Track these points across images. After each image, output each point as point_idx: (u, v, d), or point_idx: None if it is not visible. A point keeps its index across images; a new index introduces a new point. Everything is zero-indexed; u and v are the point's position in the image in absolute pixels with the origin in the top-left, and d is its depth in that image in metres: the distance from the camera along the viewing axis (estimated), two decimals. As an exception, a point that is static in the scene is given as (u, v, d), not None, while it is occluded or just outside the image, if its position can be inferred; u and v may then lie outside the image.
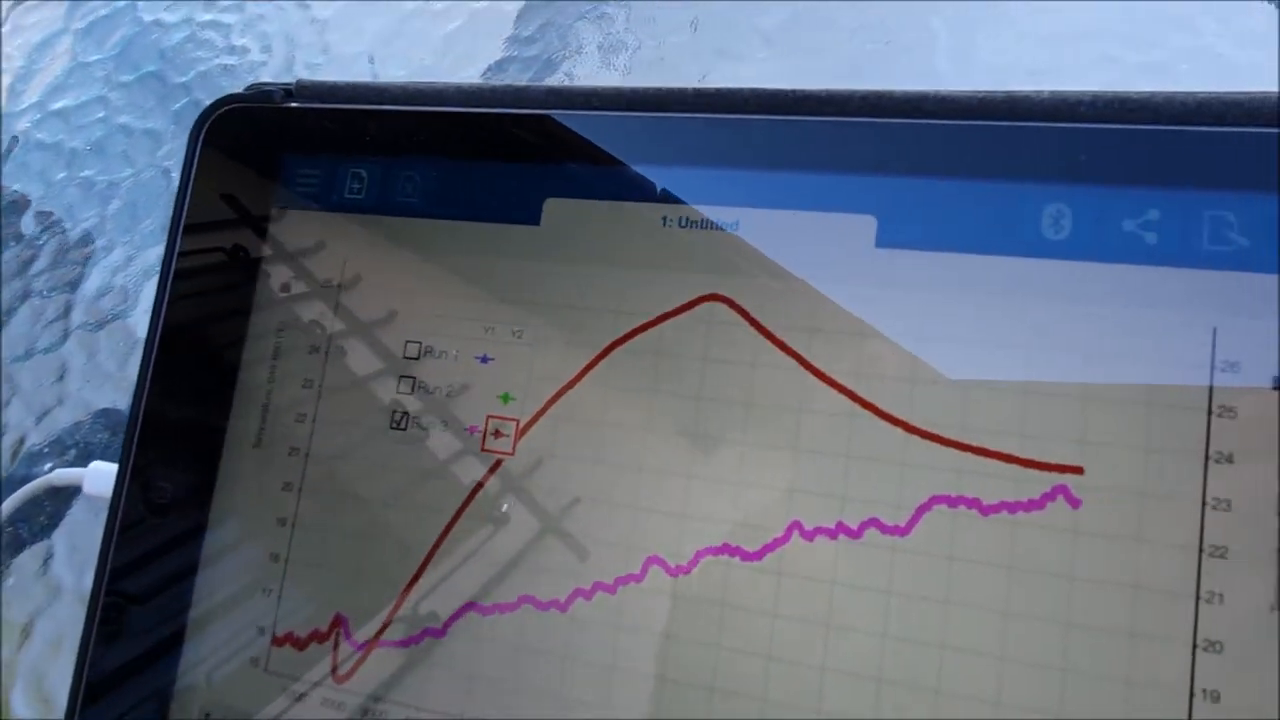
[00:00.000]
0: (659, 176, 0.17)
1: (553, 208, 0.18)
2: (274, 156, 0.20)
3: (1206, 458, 0.14)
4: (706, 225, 0.17)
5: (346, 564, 0.17)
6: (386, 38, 0.32)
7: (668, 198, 0.17)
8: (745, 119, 0.17)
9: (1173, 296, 0.14)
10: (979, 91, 0.16)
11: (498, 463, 0.17)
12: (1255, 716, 0.13)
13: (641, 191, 0.17)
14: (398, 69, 0.31)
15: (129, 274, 0.28)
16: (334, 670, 0.17)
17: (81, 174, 0.31)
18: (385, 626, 0.17)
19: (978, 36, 0.25)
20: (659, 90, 0.18)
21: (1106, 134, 0.15)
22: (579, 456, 0.17)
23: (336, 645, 0.17)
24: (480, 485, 0.17)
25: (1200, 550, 0.14)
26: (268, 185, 0.19)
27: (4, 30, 0.37)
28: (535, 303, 0.17)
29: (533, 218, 0.18)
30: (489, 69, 0.30)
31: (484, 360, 0.17)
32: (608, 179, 0.17)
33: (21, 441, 0.26)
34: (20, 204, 0.31)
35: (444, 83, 0.19)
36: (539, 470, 0.17)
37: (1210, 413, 0.14)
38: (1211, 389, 0.14)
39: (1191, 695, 0.13)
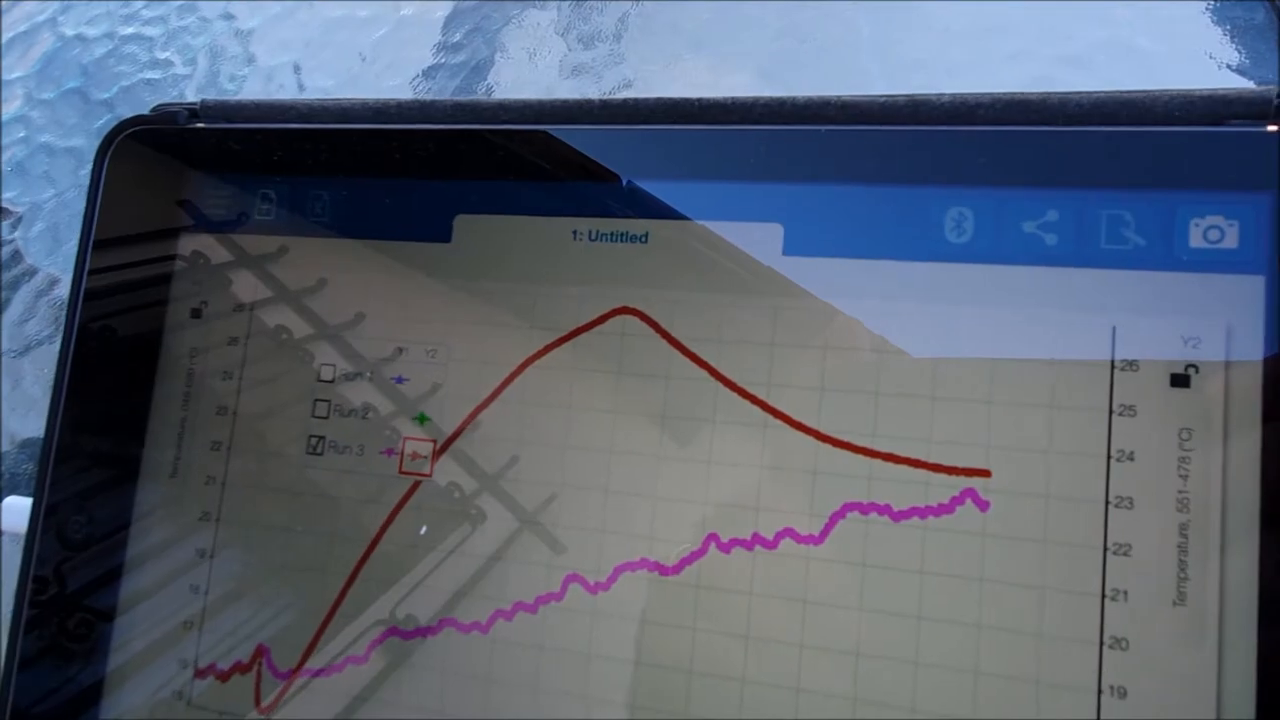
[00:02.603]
0: (568, 190, 0.17)
1: (463, 224, 0.17)
2: (181, 178, 0.19)
3: (1109, 456, 0.14)
4: (617, 238, 0.17)
5: (267, 594, 0.17)
6: (313, 48, 0.31)
7: (578, 211, 0.17)
8: (651, 129, 0.17)
9: (1073, 297, 0.14)
10: (880, 96, 0.16)
11: (415, 485, 0.17)
12: (1161, 712, 0.13)
13: (551, 206, 0.17)
14: (325, 79, 0.30)
15: (53, 298, 0.28)
16: (257, 701, 0.17)
17: (4, 195, 0.30)
18: (307, 655, 0.17)
19: (900, 33, 0.25)
20: (566, 102, 0.17)
21: (1005, 136, 0.15)
22: (497, 476, 0.16)
23: (259, 676, 0.17)
24: (398, 508, 0.17)
25: (1105, 549, 0.14)
26: (176, 207, 0.19)
27: (-79, 48, 0.36)
28: (448, 321, 0.17)
29: (443, 235, 0.17)
30: (416, 76, 0.30)
31: (399, 381, 0.17)
32: (518, 194, 0.17)
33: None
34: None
35: (350, 99, 0.19)
36: (458, 492, 0.17)
37: (1111, 412, 0.14)
38: (1112, 388, 0.14)
39: (1099, 692, 0.13)
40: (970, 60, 0.24)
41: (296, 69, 0.31)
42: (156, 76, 0.32)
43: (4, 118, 0.33)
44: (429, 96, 0.27)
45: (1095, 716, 0.13)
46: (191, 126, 0.19)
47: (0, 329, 0.28)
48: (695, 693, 0.15)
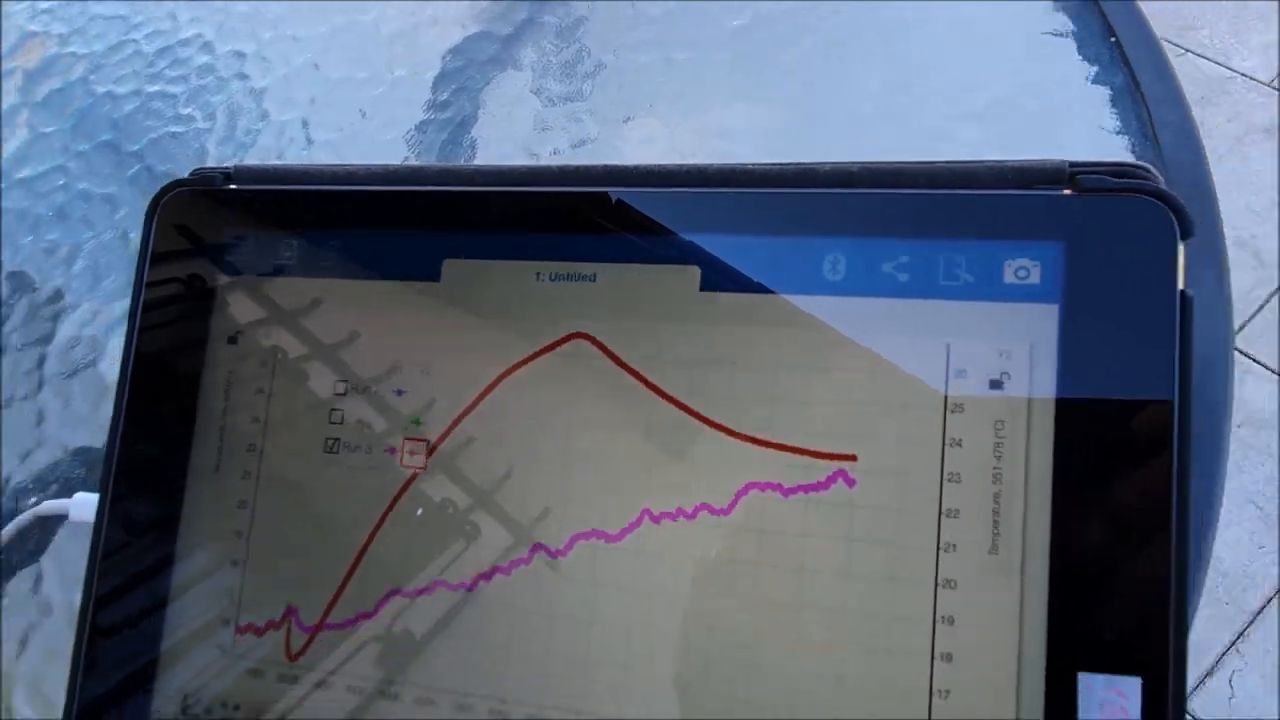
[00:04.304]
0: (533, 240, 0.21)
1: (450, 266, 0.22)
2: (217, 229, 0.23)
3: (944, 444, 0.18)
4: (571, 278, 0.21)
5: (293, 564, 0.21)
6: (318, 105, 0.35)
7: (540, 256, 0.21)
8: (598, 191, 0.21)
9: (918, 321, 0.19)
10: (775, 164, 0.20)
11: (413, 475, 0.21)
12: (979, 634, 0.17)
13: (519, 252, 0.21)
14: (329, 133, 0.35)
15: (95, 326, 0.32)
16: (288, 652, 0.21)
17: (47, 238, 0.35)
18: (327, 612, 0.21)
19: (821, 79, 0.30)
20: (532, 169, 0.22)
21: (869, 197, 0.20)
22: (478, 467, 0.21)
23: (289, 631, 0.21)
24: (400, 495, 0.21)
25: (940, 513, 0.18)
26: (213, 255, 0.23)
27: (-35, 104, 0.40)
28: (438, 345, 0.21)
29: (434, 275, 0.22)
30: (410, 130, 0.34)
31: (398, 393, 0.22)
32: (493, 243, 0.22)
33: (7, 480, 0.29)
34: (-9, 267, 0.34)
35: (355, 165, 0.23)
36: (447, 480, 0.21)
37: (946, 409, 0.18)
38: (947, 391, 0.18)
39: (934, 621, 0.18)
40: (882, 116, 0.29)
41: (305, 124, 0.35)
42: (180, 130, 0.36)
43: (43, 168, 0.37)
44: (420, 162, 0.32)
45: (930, 639, 0.18)
46: (225, 189, 0.23)
47: (47, 356, 0.32)
48: (637, 639, 0.19)
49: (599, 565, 0.20)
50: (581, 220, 0.21)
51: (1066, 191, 0.18)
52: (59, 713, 0.23)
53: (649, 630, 0.19)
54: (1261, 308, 0.96)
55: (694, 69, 0.32)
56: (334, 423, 0.22)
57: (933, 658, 0.18)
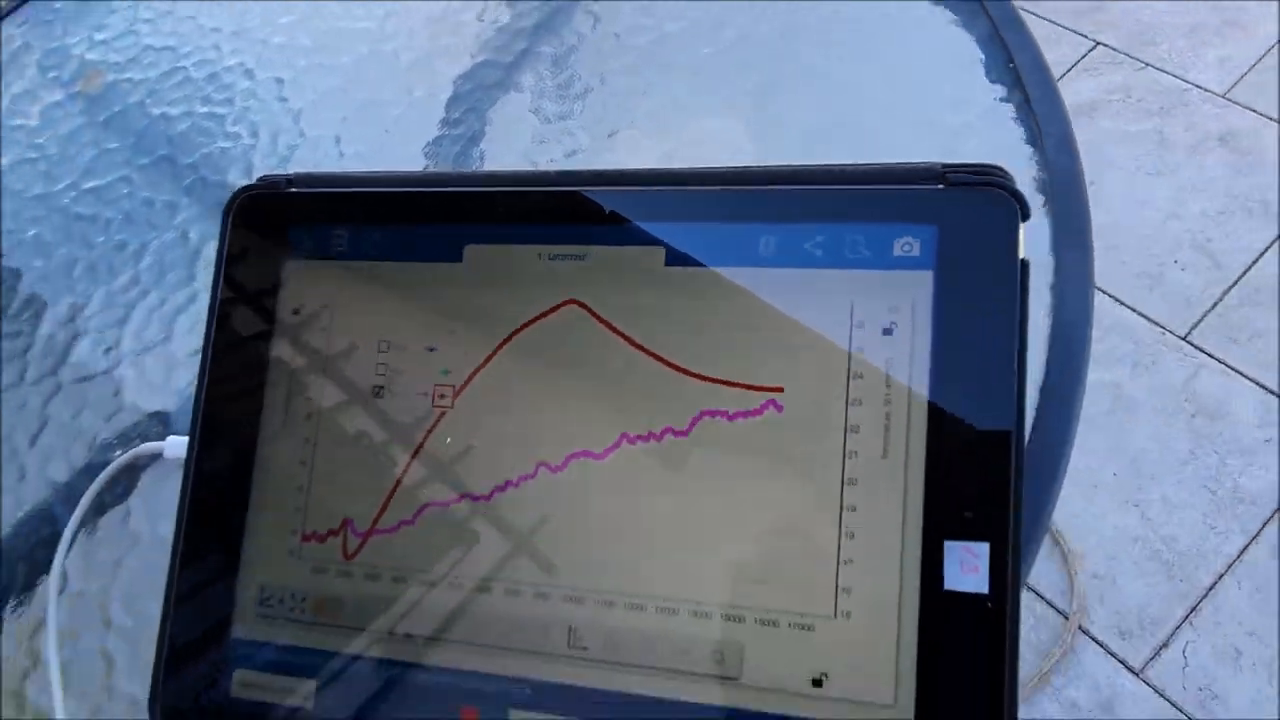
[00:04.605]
0: (535, 229, 0.27)
1: (470, 251, 0.28)
2: (281, 224, 0.29)
3: (849, 376, 0.24)
4: (566, 258, 0.27)
5: (348, 485, 0.27)
6: (348, 123, 0.41)
7: (541, 241, 0.27)
8: (586, 189, 0.27)
9: (830, 286, 0.25)
10: (721, 168, 0.26)
11: (442, 413, 0.27)
12: (871, 515, 0.23)
13: (525, 238, 0.27)
14: (358, 146, 0.41)
15: (163, 312, 0.38)
16: (344, 552, 0.27)
17: (116, 237, 0.40)
18: (376, 521, 0.27)
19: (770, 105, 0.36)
20: (532, 173, 0.28)
21: (794, 191, 0.25)
22: (493, 406, 0.27)
23: (345, 537, 0.27)
24: (432, 428, 0.27)
25: (846, 429, 0.24)
26: (278, 243, 0.29)
27: (36, 124, 0.46)
28: (461, 311, 0.27)
29: (457, 257, 0.28)
30: (428, 144, 0.40)
31: (431, 350, 0.27)
32: (504, 231, 0.27)
33: (95, 438, 0.35)
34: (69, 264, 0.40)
35: (395, 171, 0.29)
36: (468, 416, 0.27)
37: (850, 351, 0.24)
38: (851, 337, 0.24)
39: (841, 510, 0.23)
40: (825, 129, 0.35)
41: (337, 140, 0.41)
42: (229, 146, 0.42)
43: (109, 179, 0.43)
44: (443, 168, 0.38)
45: (839, 522, 0.23)
46: (288, 191, 0.29)
47: (123, 337, 0.38)
48: (616, 530, 0.25)
49: (589, 477, 0.25)
50: (573, 213, 0.27)
51: (940, 186, 0.24)
52: (153, 623, 0.28)
53: (625, 523, 0.25)
54: (1215, 305, 1.02)
55: (669, 90, 0.38)
56: (379, 374, 0.28)
57: (840, 535, 0.23)
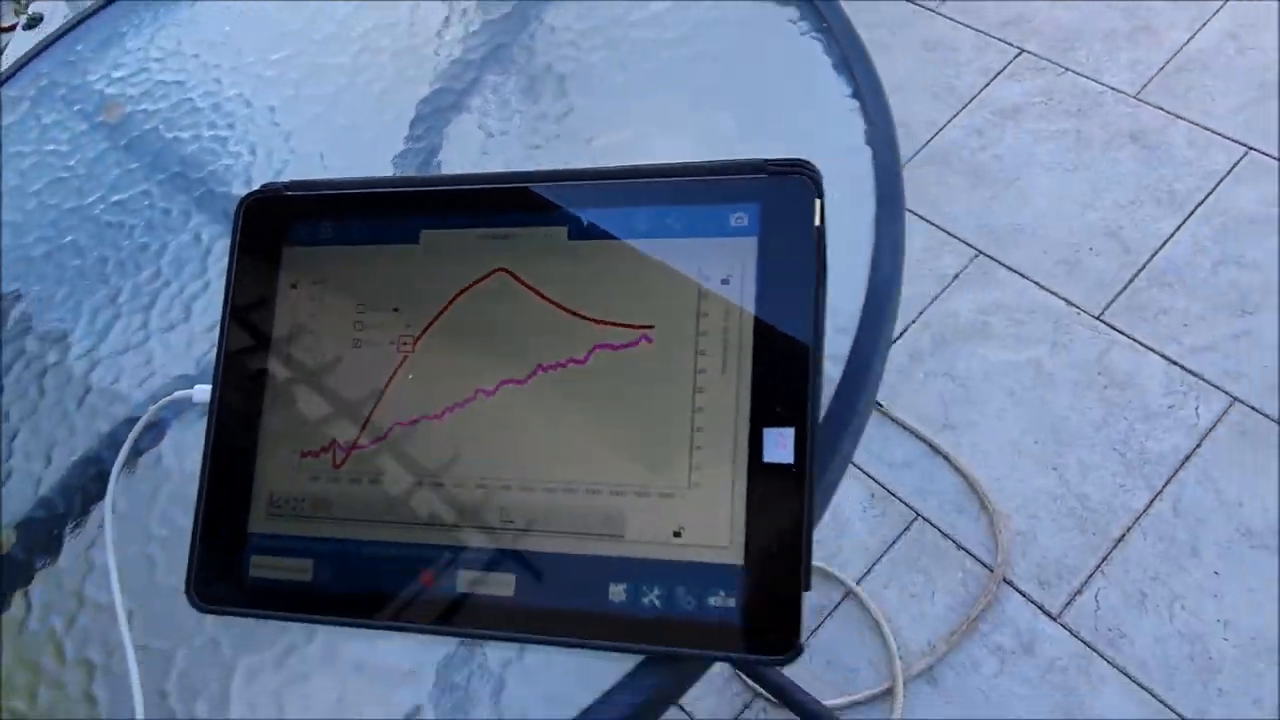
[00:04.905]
0: (474, 216, 0.36)
1: (425, 235, 0.37)
2: (280, 220, 0.38)
3: (698, 315, 0.33)
4: (495, 237, 0.36)
5: (334, 413, 0.36)
6: (330, 141, 0.50)
7: (478, 225, 0.36)
8: (508, 186, 0.36)
9: (684, 250, 0.34)
10: (605, 166, 0.35)
11: (404, 357, 0.36)
12: (717, 418, 0.32)
13: (466, 223, 0.36)
14: (340, 160, 0.50)
15: (182, 298, 0.47)
16: (334, 464, 0.36)
17: (140, 240, 0.49)
18: (356, 439, 0.35)
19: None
20: (473, 175, 0.37)
21: (659, 181, 0.34)
22: (442, 350, 0.35)
23: (334, 453, 0.36)
24: (398, 368, 0.36)
25: (696, 352, 0.33)
26: (279, 233, 0.38)
27: (66, 149, 0.55)
28: (418, 280, 0.36)
29: (415, 240, 0.37)
30: (395, 156, 0.49)
31: (396, 310, 0.36)
32: (450, 219, 0.36)
33: (131, 399, 0.44)
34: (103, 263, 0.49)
35: (367, 177, 0.38)
36: (424, 358, 0.36)
37: (699, 298, 0.33)
38: (699, 287, 0.33)
39: (693, 409, 0.32)
40: (713, 138, 0.44)
41: (321, 156, 0.50)
42: (231, 163, 0.51)
43: (132, 192, 0.52)
44: (406, 173, 0.47)
45: (691, 416, 0.32)
46: (286, 194, 0.38)
47: (150, 319, 0.46)
48: (532, 434, 0.34)
49: (515, 398, 0.34)
50: (501, 204, 0.36)
51: (763, 175, 0.34)
52: (185, 533, 0.37)
53: (541, 429, 0.34)
54: (1125, 287, 1.12)
55: (588, 113, 0.47)
56: (357, 329, 0.36)
57: (692, 428, 0.32)
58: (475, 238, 0.36)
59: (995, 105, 1.30)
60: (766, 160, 0.34)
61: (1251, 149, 1.18)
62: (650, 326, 0.34)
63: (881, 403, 1.09)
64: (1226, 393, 1.03)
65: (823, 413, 0.35)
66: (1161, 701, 0.88)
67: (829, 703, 0.93)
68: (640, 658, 0.32)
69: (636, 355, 0.34)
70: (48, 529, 0.41)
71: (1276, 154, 1.17)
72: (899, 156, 0.42)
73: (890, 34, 1.42)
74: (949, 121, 1.30)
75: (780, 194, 0.33)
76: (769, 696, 0.94)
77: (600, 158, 0.44)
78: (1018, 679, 0.91)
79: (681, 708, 0.96)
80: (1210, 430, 1.01)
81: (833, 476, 0.35)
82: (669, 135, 0.45)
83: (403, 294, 0.36)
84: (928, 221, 1.22)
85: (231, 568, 0.36)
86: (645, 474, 0.33)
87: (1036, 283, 1.14)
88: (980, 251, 1.18)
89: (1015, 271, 1.16)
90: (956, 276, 1.17)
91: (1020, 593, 0.96)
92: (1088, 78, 1.29)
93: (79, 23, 0.62)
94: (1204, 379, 1.04)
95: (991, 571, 0.97)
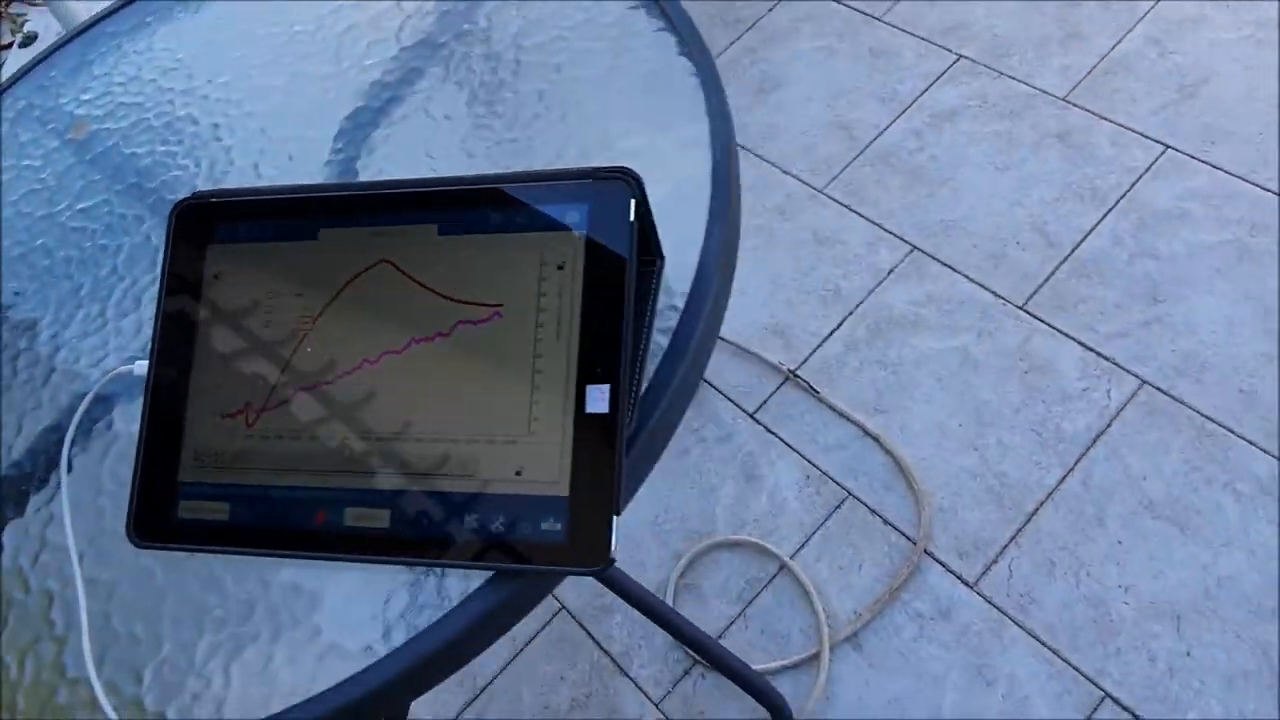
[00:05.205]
0: (362, 216, 0.43)
1: (324, 232, 0.44)
2: (206, 222, 0.46)
3: (539, 294, 0.40)
4: (381, 234, 0.43)
5: (249, 381, 0.43)
6: (265, 154, 0.58)
7: (366, 224, 0.43)
8: (390, 192, 0.43)
9: (530, 241, 0.41)
10: (471, 175, 0.43)
11: (305, 333, 0.43)
12: (550, 376, 0.39)
13: (356, 222, 0.44)
14: (271, 170, 0.57)
15: (134, 290, 0.54)
16: (247, 424, 0.43)
17: (100, 242, 0.57)
18: (265, 403, 0.43)
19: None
20: (363, 182, 0.44)
21: (513, 186, 0.42)
22: (335, 327, 0.43)
23: (246, 415, 0.43)
24: (299, 343, 0.43)
25: (536, 325, 0.40)
26: (205, 233, 0.45)
27: (39, 164, 0.62)
28: (318, 269, 0.44)
29: (315, 237, 0.44)
30: (320, 166, 0.57)
31: (299, 295, 0.44)
32: (343, 219, 0.44)
33: (90, 377, 0.51)
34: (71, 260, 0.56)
35: (275, 185, 0.45)
36: (320, 334, 0.43)
37: (540, 279, 0.41)
38: (540, 271, 0.41)
39: (533, 372, 0.40)
40: (583, 148, 0.51)
41: (256, 166, 0.57)
42: (180, 173, 0.59)
43: (95, 200, 0.59)
44: (331, 179, 0.54)
45: (531, 378, 0.40)
46: (211, 201, 0.46)
47: (107, 309, 0.54)
48: (397, 404, 0.41)
49: (393, 366, 0.42)
50: (385, 206, 0.43)
51: (590, 180, 0.41)
52: (127, 486, 0.44)
53: (414, 391, 0.41)
54: (1048, 279, 1.19)
55: (480, 130, 0.54)
56: (267, 311, 0.44)
57: (531, 386, 0.40)
58: (364, 234, 0.43)
59: (934, 109, 1.37)
60: (595, 168, 0.41)
61: (1169, 147, 1.25)
62: (501, 305, 0.41)
63: (817, 389, 1.16)
64: (1136, 375, 1.10)
65: (649, 376, 0.43)
66: (1066, 661, 0.95)
67: (761, 667, 1.00)
68: (489, 573, 0.40)
69: (490, 328, 0.41)
70: (17, 486, 0.48)
71: (1191, 152, 1.24)
72: (734, 159, 0.49)
73: (839, 41, 1.49)
74: (890, 124, 1.38)
75: (604, 196, 0.41)
76: (704, 663, 1.01)
77: (479, 165, 0.52)
78: (935, 642, 0.98)
79: (628, 675, 1.03)
80: (1120, 411, 1.08)
81: (661, 429, 0.42)
82: (529, 143, 0.53)
83: (305, 281, 0.44)
84: (867, 219, 1.29)
85: (164, 511, 0.43)
86: (494, 425, 0.40)
87: (966, 276, 1.21)
88: (915, 247, 1.25)
89: (947, 265, 1.23)
90: (892, 271, 1.24)
91: (940, 563, 1.03)
92: (1021, 81, 1.37)
93: (54, 51, 0.70)
94: (1116, 363, 1.11)
95: (914, 544, 1.04)
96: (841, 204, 1.31)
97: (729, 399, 1.18)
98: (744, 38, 1.53)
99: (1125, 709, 0.92)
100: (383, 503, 0.41)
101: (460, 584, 0.40)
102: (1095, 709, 0.92)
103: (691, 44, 0.54)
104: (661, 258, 0.46)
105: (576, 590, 1.09)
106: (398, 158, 0.55)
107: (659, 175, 0.49)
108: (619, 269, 0.40)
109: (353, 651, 0.40)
